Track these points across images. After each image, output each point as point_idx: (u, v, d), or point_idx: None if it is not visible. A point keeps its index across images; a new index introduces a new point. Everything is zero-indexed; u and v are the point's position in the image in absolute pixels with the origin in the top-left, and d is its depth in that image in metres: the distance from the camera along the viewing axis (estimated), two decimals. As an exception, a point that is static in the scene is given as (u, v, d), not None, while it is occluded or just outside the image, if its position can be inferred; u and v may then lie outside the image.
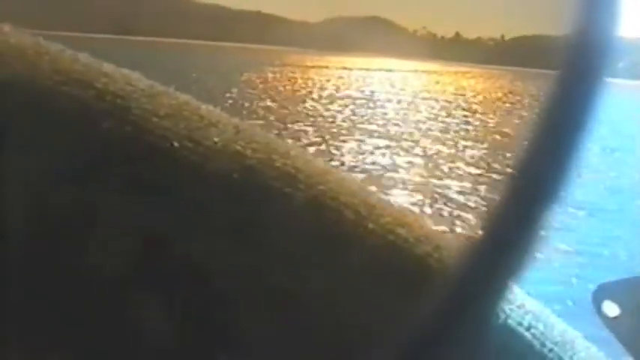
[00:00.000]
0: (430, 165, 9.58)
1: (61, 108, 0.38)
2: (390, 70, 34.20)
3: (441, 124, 14.07)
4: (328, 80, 24.02)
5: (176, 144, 0.38)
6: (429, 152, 10.69)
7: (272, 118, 13.25)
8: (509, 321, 0.40)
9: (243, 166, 0.39)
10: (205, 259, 0.39)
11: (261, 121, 11.87)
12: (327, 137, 11.66)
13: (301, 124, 12.92)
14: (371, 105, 16.85)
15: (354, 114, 14.93)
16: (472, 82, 30.41)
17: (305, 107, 15.28)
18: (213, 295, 0.39)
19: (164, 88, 0.42)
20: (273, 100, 16.01)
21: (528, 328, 0.42)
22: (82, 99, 0.38)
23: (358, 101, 17.61)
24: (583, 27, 0.22)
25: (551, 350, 0.43)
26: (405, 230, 0.42)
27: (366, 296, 0.36)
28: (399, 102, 18.21)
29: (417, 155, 10.51)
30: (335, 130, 12.29)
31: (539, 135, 0.22)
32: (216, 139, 0.40)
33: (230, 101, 13.87)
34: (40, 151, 0.38)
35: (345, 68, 31.35)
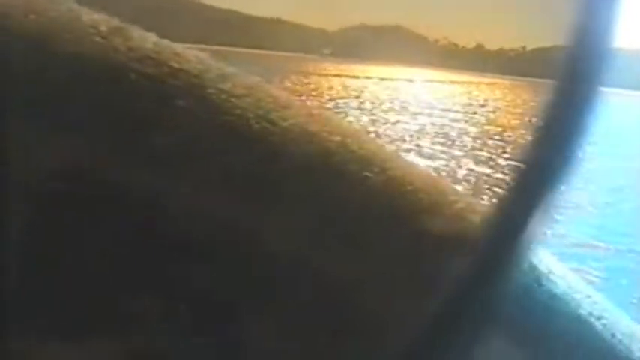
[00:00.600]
0: (474, 192, 8.92)
1: (134, 84, 0.39)
2: (411, 80, 33.65)
3: (478, 141, 13.46)
4: (357, 89, 23.40)
5: (255, 125, 0.41)
6: (472, 175, 10.03)
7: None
8: (581, 310, 0.43)
9: (321, 149, 0.42)
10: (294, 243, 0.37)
11: None
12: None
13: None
14: (405, 118, 16.24)
15: (392, 125, 14.37)
16: (498, 93, 29.99)
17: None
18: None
19: (235, 69, 0.43)
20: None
21: (599, 318, 0.44)
22: (155, 76, 0.40)
23: (392, 113, 16.98)
24: (580, 38, 0.30)
25: (620, 341, 0.45)
26: (477, 218, 0.42)
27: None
28: (430, 115, 17.59)
29: (460, 182, 9.80)
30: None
31: (541, 136, 0.31)
32: (292, 121, 0.42)
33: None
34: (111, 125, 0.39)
35: (367, 77, 30.83)
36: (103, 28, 0.39)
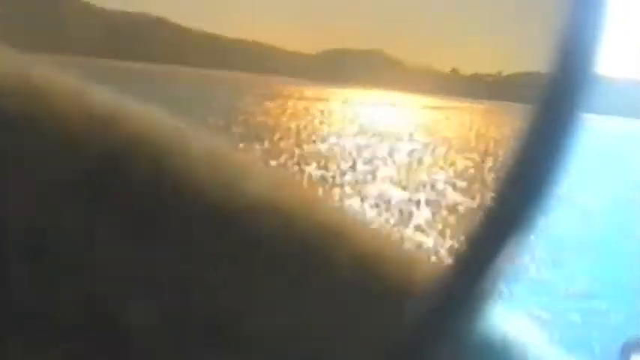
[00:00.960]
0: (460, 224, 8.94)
1: (86, 151, 0.38)
2: (390, 104, 33.79)
3: (460, 169, 13.51)
4: (332, 114, 23.45)
5: (212, 196, 0.40)
6: (459, 208, 10.04)
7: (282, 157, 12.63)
8: (492, 338, 0.42)
9: (284, 222, 0.41)
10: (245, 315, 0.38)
11: (274, 162, 11.21)
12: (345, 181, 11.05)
13: (314, 164, 12.30)
14: (383, 144, 16.28)
15: (367, 154, 14.38)
16: (477, 118, 30.14)
17: (313, 146, 14.68)
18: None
19: (194, 130, 0.42)
20: (278, 138, 15.38)
21: (511, 347, 0.43)
22: (105, 141, 0.39)
23: (371, 139, 17.02)
24: (561, 63, 0.29)
25: None
26: (424, 270, 0.42)
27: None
28: (410, 140, 17.66)
29: (443, 208, 9.82)
30: (350, 175, 11.68)
31: (515, 167, 0.30)
32: (253, 191, 0.41)
33: (233, 135, 13.28)
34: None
35: (344, 102, 30.91)
36: (58, 88, 0.39)
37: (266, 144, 14.17)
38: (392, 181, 11.45)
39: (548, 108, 0.28)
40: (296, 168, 11.94)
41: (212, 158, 0.39)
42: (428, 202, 10.05)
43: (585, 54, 0.27)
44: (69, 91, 0.41)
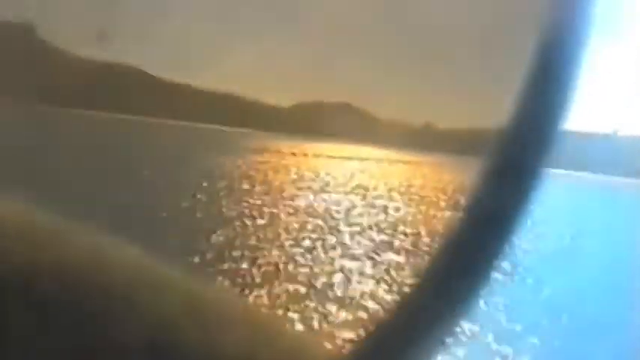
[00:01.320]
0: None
1: (57, 303, 0.37)
2: (364, 159, 34.08)
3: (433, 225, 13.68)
4: (307, 169, 23.60)
5: (190, 346, 0.38)
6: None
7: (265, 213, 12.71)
8: None
9: None
10: None
11: (261, 221, 11.24)
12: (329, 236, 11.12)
13: (292, 219, 12.40)
14: (357, 199, 16.44)
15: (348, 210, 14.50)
16: (450, 173, 30.40)
17: (289, 202, 14.78)
18: None
19: (171, 276, 0.40)
20: (259, 194, 15.48)
21: None
22: (75, 296, 0.37)
23: (347, 195, 17.18)
24: (524, 119, 0.28)
25: None
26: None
27: None
28: (390, 198, 17.84)
29: (418, 256, 9.97)
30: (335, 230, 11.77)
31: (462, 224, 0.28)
32: (232, 341, 0.39)
33: (204, 195, 13.27)
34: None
35: (329, 156, 31.10)
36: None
37: (244, 200, 14.24)
38: (367, 236, 11.54)
39: (502, 163, 0.32)
40: (274, 223, 12.01)
41: (188, 306, 0.39)
42: (403, 253, 10.16)
43: (555, 107, 0.32)
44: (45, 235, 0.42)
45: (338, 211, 14.23)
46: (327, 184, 19.44)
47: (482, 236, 0.28)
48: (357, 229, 12.23)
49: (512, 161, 0.28)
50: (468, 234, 0.28)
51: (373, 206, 15.72)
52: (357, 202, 16.21)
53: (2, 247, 0.40)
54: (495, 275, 0.28)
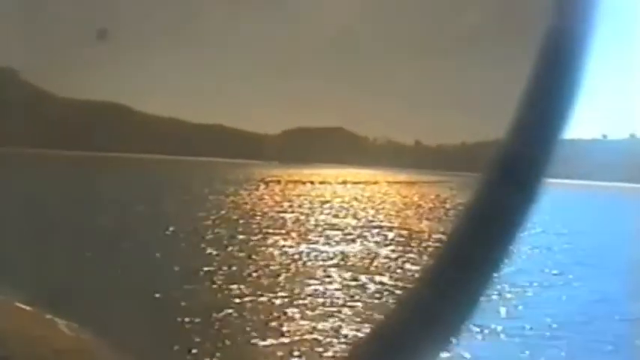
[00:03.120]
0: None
1: None
2: (355, 181, 34.04)
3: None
4: (299, 195, 23.48)
5: None
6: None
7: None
8: None
9: None
10: None
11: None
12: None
13: (288, 244, 12.22)
14: (353, 222, 16.30)
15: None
16: (450, 193, 30.43)
17: (284, 227, 14.65)
18: None
19: None
20: (248, 222, 15.34)
21: None
22: None
23: (343, 219, 17.05)
24: (523, 130, 0.31)
25: None
26: None
27: None
28: (377, 216, 17.70)
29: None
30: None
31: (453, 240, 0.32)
32: None
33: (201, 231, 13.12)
34: None
35: (323, 182, 31.09)
36: None
37: (235, 228, 14.09)
38: (362, 258, 11.45)
39: (497, 176, 0.30)
40: (270, 249, 11.89)
41: None
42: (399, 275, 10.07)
43: (552, 120, 0.29)
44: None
45: (330, 236, 14.12)
46: (320, 208, 19.29)
47: (482, 245, 0.30)
48: (352, 250, 12.12)
49: (511, 173, 0.30)
50: (468, 242, 0.30)
51: (367, 228, 15.57)
52: (352, 224, 16.07)
53: None
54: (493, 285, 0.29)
